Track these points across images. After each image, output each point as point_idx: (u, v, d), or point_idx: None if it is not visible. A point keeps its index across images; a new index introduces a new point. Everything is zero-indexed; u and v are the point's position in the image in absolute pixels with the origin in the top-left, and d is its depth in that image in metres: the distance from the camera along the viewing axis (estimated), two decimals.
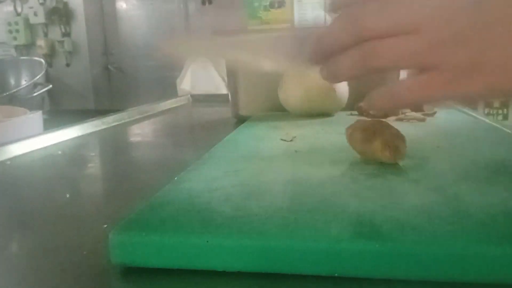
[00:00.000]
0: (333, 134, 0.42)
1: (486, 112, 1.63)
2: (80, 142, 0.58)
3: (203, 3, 2.31)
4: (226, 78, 0.72)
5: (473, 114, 0.57)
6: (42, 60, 2.24)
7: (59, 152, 0.52)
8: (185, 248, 0.20)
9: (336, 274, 0.19)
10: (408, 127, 0.46)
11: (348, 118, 0.54)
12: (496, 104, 1.66)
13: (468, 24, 0.23)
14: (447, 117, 0.51)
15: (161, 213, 0.23)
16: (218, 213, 0.23)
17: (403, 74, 0.31)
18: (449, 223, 0.21)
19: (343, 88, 0.55)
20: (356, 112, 0.56)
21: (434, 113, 0.52)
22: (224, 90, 1.62)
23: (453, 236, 0.19)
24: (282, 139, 0.41)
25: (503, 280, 0.18)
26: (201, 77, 1.79)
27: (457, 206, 0.23)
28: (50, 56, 2.41)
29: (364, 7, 0.24)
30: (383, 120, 0.46)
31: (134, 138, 0.64)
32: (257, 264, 0.20)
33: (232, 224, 0.21)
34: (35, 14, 2.35)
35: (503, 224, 0.21)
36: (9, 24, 2.39)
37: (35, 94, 1.93)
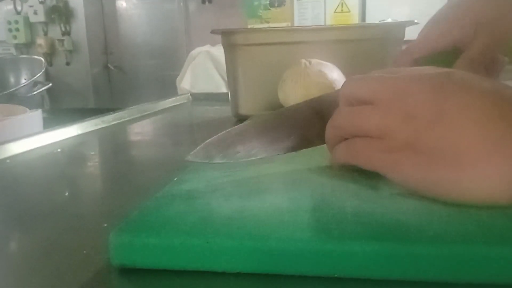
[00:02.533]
0: None
1: None
2: (80, 141, 0.58)
3: (203, 2, 2.31)
4: (226, 77, 0.72)
5: None
6: (42, 59, 2.24)
7: (59, 151, 0.52)
8: (185, 249, 0.20)
9: (336, 275, 0.19)
10: None
11: None
12: None
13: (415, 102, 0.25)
14: None
15: (161, 214, 0.23)
16: (218, 213, 0.23)
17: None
18: (449, 223, 0.21)
19: None
20: None
21: None
22: (224, 89, 1.63)
23: (453, 236, 0.19)
24: None
25: (503, 280, 0.18)
26: (201, 76, 1.79)
27: (457, 206, 0.23)
28: (50, 54, 2.41)
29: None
30: None
31: (134, 137, 0.64)
32: (257, 265, 0.20)
33: (232, 224, 0.21)
34: (35, 12, 2.35)
35: (503, 224, 0.20)
36: (9, 22, 2.39)
37: (35, 92, 1.93)
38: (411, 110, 0.24)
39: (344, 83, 0.30)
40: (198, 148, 0.30)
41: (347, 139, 0.28)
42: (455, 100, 0.24)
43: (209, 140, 0.30)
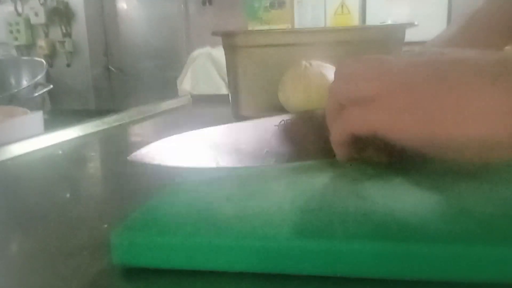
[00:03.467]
0: None
1: None
2: (81, 142, 0.58)
3: (204, 3, 2.31)
4: (226, 78, 0.72)
5: None
6: (43, 61, 2.24)
7: (60, 152, 0.52)
8: (187, 248, 0.20)
9: (338, 274, 0.19)
10: None
11: None
12: None
13: (420, 87, 0.25)
14: None
15: (163, 214, 0.23)
16: (220, 213, 0.23)
17: None
18: (450, 223, 0.21)
19: None
20: None
21: None
22: (224, 91, 1.63)
23: (453, 236, 0.20)
24: None
25: (503, 280, 0.18)
26: (201, 78, 1.79)
27: (457, 206, 0.23)
28: (51, 56, 2.41)
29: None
30: None
31: (134, 138, 0.64)
32: (259, 265, 0.20)
33: (234, 224, 0.21)
34: (36, 14, 2.35)
35: (503, 224, 0.21)
36: (10, 24, 2.39)
37: (35, 94, 1.93)
38: (414, 98, 0.24)
39: (335, 79, 0.30)
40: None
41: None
42: (456, 73, 0.24)
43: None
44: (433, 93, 0.24)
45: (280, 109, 0.58)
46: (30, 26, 2.41)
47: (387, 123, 0.25)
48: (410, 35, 0.64)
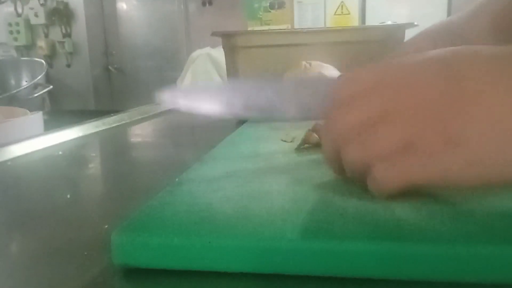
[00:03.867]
0: None
1: None
2: (81, 143, 0.58)
3: (203, 4, 2.31)
4: (226, 78, 0.72)
5: None
6: (43, 61, 2.24)
7: (60, 153, 0.52)
8: (187, 249, 0.20)
9: (338, 275, 0.19)
10: None
11: None
12: None
13: (438, 98, 0.23)
14: None
15: (163, 214, 0.23)
16: (220, 213, 0.23)
17: None
18: (450, 223, 0.21)
19: None
20: None
21: None
22: None
23: (453, 236, 0.20)
24: (282, 140, 0.41)
25: (503, 280, 0.18)
26: (201, 78, 1.79)
27: (457, 205, 0.23)
28: (51, 56, 2.41)
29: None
30: None
31: (134, 139, 0.64)
32: (259, 265, 0.20)
33: (234, 224, 0.21)
34: (36, 15, 2.36)
35: (503, 224, 0.21)
36: (10, 24, 2.40)
37: (35, 95, 1.93)
38: (432, 110, 0.22)
39: (328, 99, 0.26)
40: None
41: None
42: (472, 81, 0.22)
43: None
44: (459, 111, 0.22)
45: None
46: (30, 27, 2.42)
47: (433, 172, 0.23)
48: (410, 35, 0.64)
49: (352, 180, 0.26)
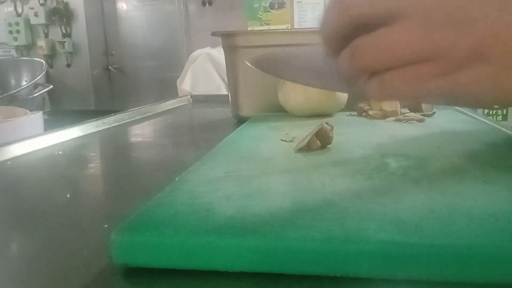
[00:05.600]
0: None
1: (485, 112, 1.63)
2: (81, 143, 0.58)
3: (203, 4, 2.31)
4: (226, 79, 0.72)
5: (472, 114, 0.57)
6: (43, 61, 2.24)
7: (60, 153, 0.52)
8: (187, 248, 0.20)
9: (337, 274, 0.19)
10: (407, 128, 0.46)
11: (348, 119, 0.54)
12: None
13: (466, 1, 0.20)
14: (447, 118, 0.51)
15: (163, 214, 0.23)
16: (220, 213, 0.23)
17: None
18: (450, 223, 0.21)
19: None
20: (355, 113, 0.56)
21: (433, 113, 0.52)
22: (224, 91, 1.63)
23: (453, 236, 0.20)
24: (282, 140, 0.41)
25: (503, 280, 0.18)
26: (201, 78, 1.79)
27: (457, 206, 0.23)
28: (51, 56, 2.42)
29: None
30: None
31: (134, 139, 0.64)
32: (259, 264, 0.20)
33: (234, 224, 0.21)
34: (36, 14, 2.36)
35: (504, 224, 0.21)
36: (10, 24, 2.40)
37: (35, 94, 1.93)
38: (461, 15, 0.20)
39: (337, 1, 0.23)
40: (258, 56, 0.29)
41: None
42: None
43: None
44: None
45: (279, 109, 0.58)
46: (30, 27, 2.42)
47: (454, 88, 0.20)
48: None
49: (338, 71, 0.24)
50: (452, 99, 0.21)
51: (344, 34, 0.23)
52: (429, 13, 0.20)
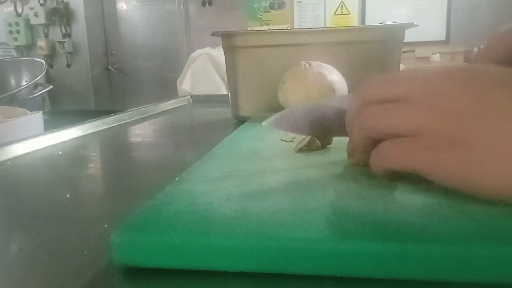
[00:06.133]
0: None
1: None
2: (81, 143, 0.58)
3: (203, 4, 2.31)
4: (226, 79, 0.72)
5: None
6: (43, 61, 2.24)
7: (60, 153, 0.52)
8: (188, 248, 0.20)
9: (338, 274, 0.19)
10: None
11: None
12: None
13: (458, 98, 0.23)
14: None
15: (163, 214, 0.23)
16: (220, 213, 0.23)
17: None
18: (450, 223, 0.21)
19: (342, 89, 0.55)
20: None
21: None
22: (224, 91, 1.63)
23: (453, 236, 0.20)
24: (282, 140, 0.41)
25: (503, 280, 0.18)
26: (201, 78, 1.79)
27: (458, 206, 0.23)
28: (51, 56, 2.42)
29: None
30: None
31: (134, 139, 0.64)
32: (259, 264, 0.20)
33: (234, 224, 0.21)
34: (36, 14, 2.36)
35: (504, 224, 0.21)
36: (10, 24, 2.40)
37: (35, 94, 1.93)
38: (451, 106, 0.23)
39: (363, 83, 0.28)
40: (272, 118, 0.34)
41: (377, 141, 0.27)
42: (496, 94, 0.23)
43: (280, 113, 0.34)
44: (481, 121, 0.22)
45: (279, 109, 0.58)
46: (30, 27, 2.42)
47: (429, 163, 0.23)
48: (410, 35, 0.65)
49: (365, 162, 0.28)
50: (434, 177, 0.24)
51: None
52: (425, 100, 0.24)
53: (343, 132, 0.31)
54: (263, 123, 0.34)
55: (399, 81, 0.26)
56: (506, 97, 0.23)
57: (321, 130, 0.35)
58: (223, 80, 1.70)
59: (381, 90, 0.26)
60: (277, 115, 0.34)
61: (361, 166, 0.30)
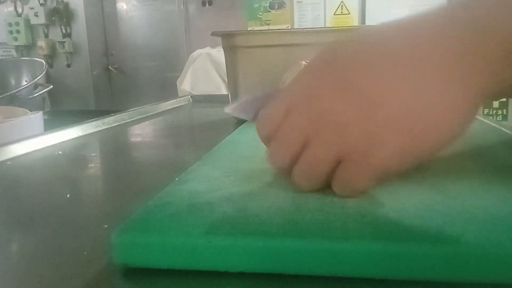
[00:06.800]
0: None
1: (485, 112, 1.63)
2: (81, 143, 0.58)
3: (203, 4, 2.31)
4: (226, 79, 0.72)
5: None
6: (43, 61, 2.24)
7: (60, 153, 0.52)
8: (187, 248, 0.20)
9: (338, 274, 0.19)
10: None
11: None
12: (495, 104, 1.66)
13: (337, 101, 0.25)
14: None
15: (163, 214, 0.23)
16: (220, 213, 0.23)
17: None
18: (450, 223, 0.21)
19: None
20: None
21: None
22: (224, 91, 1.63)
23: (454, 236, 0.20)
24: None
25: (503, 279, 0.18)
26: (201, 78, 1.79)
27: (458, 206, 0.23)
28: (51, 56, 2.41)
29: None
30: None
31: (134, 139, 0.64)
32: (259, 265, 0.20)
33: (234, 224, 0.21)
34: (36, 14, 2.36)
35: (504, 224, 0.21)
36: (10, 24, 2.40)
37: (35, 94, 1.93)
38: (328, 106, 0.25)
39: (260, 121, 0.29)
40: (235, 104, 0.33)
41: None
42: (355, 72, 0.26)
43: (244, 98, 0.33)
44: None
45: None
46: (30, 27, 2.41)
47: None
48: None
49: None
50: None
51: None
52: (324, 135, 0.25)
53: None
54: (226, 110, 0.33)
55: (279, 105, 0.27)
56: (361, 70, 0.26)
57: None
58: (223, 80, 1.70)
59: (268, 126, 0.28)
60: (240, 101, 0.33)
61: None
